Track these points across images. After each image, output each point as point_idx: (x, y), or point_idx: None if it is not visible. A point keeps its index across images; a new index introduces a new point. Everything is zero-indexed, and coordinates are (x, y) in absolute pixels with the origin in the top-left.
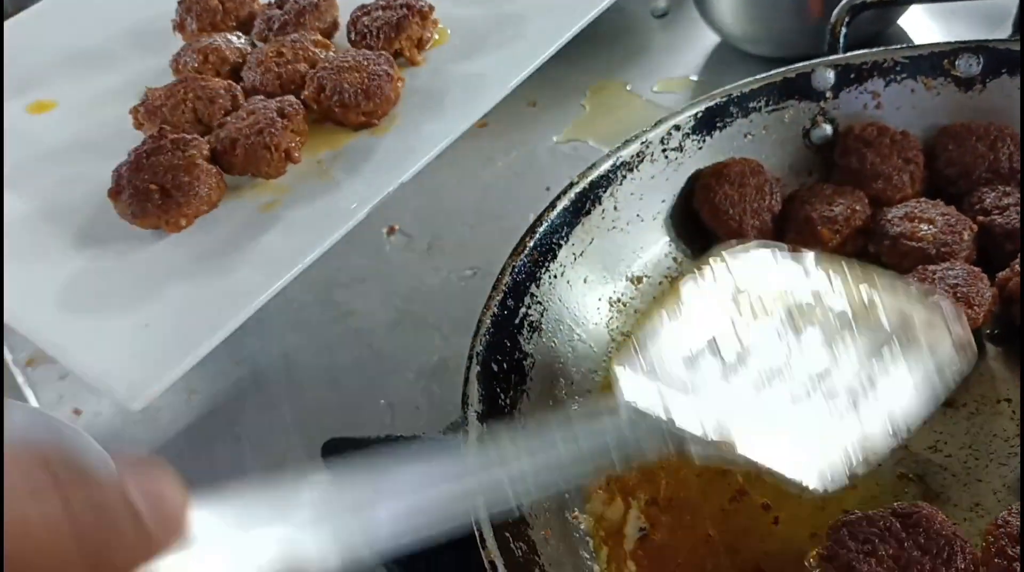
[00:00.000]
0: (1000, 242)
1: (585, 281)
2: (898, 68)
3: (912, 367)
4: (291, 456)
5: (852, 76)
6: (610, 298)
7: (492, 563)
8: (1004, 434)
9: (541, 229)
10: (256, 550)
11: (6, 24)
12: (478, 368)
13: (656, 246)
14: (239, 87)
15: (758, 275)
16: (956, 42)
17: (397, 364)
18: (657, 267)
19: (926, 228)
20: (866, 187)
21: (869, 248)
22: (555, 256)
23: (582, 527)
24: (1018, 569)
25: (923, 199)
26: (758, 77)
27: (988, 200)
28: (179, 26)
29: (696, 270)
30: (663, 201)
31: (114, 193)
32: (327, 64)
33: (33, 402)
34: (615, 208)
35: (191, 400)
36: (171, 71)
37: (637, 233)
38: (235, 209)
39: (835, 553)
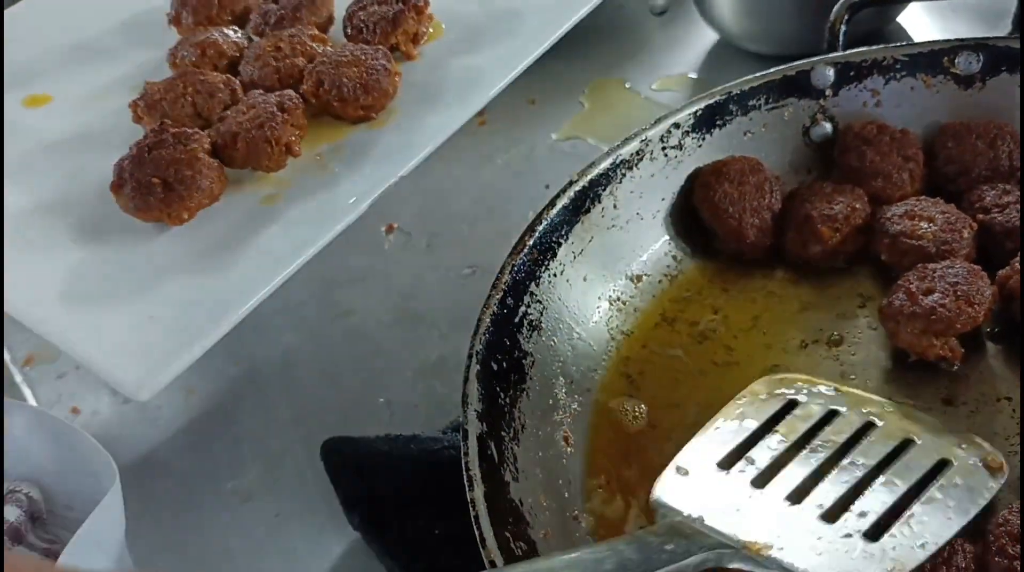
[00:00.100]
0: (1000, 240)
1: (585, 279)
2: (898, 66)
3: (947, 495)
4: (290, 455)
5: (852, 74)
6: (610, 297)
7: (492, 563)
8: (1004, 433)
9: (540, 227)
10: None
11: None
12: (478, 367)
13: (656, 245)
14: (237, 81)
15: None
16: (956, 40)
17: (396, 362)
18: (657, 265)
19: (926, 226)
20: (866, 185)
21: (869, 247)
22: (555, 254)
23: (583, 526)
24: (1019, 568)
25: (923, 197)
26: (757, 75)
27: (988, 198)
28: (174, 20)
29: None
30: (663, 199)
31: (116, 186)
32: (325, 58)
33: (32, 401)
34: (615, 206)
35: (190, 399)
36: (168, 65)
37: (637, 231)
38: (236, 202)
39: None
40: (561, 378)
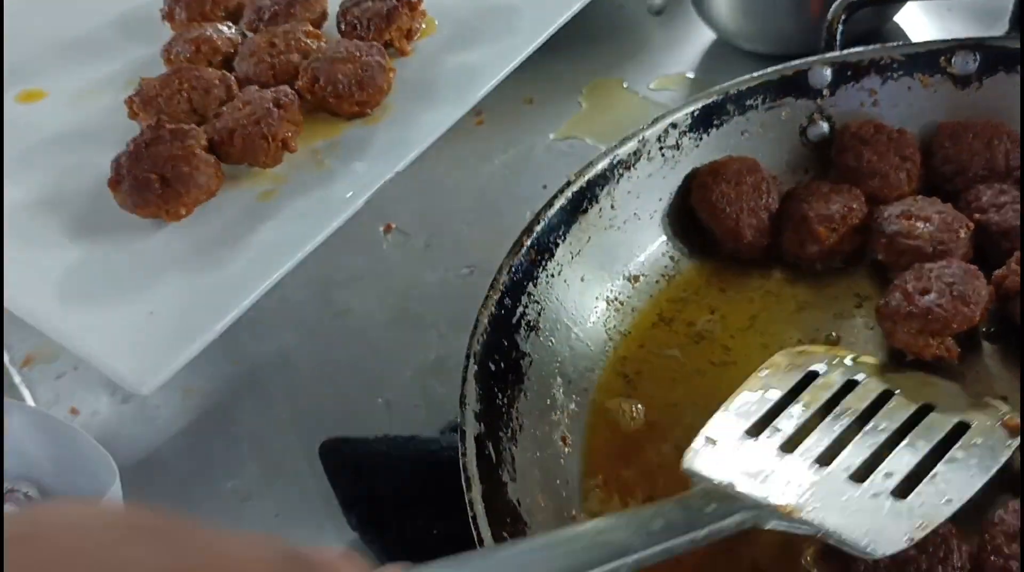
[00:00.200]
0: (996, 240)
1: (582, 280)
2: (895, 66)
3: (969, 454)
4: (289, 455)
5: (849, 74)
6: (607, 297)
7: None
8: None
9: (538, 228)
10: None
11: None
12: (475, 368)
13: (653, 245)
14: (233, 77)
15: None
16: (953, 40)
17: (395, 362)
18: (654, 266)
19: (923, 226)
20: (863, 185)
21: (866, 246)
22: (552, 255)
23: None
24: (1015, 567)
25: (920, 197)
26: (755, 75)
27: (985, 198)
28: (168, 15)
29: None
30: (660, 199)
31: (114, 183)
32: (320, 55)
33: (30, 402)
34: (612, 207)
35: (188, 399)
36: (162, 61)
37: (634, 232)
38: (233, 198)
39: (832, 551)
40: (559, 378)
